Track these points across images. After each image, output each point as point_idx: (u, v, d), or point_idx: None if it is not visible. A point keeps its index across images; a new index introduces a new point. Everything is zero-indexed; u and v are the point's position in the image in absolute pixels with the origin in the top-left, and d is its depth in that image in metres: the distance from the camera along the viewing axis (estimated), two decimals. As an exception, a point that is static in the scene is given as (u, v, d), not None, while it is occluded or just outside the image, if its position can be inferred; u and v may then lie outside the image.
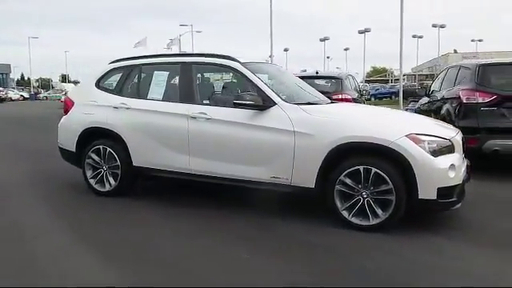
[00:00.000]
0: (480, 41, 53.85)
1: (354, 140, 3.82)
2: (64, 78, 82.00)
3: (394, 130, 3.82)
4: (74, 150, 5.15)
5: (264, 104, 4.17)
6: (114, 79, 5.13)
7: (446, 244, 3.63)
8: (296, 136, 3.99)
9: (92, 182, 5.04)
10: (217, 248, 3.56)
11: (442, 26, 45.52)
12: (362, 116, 4.35)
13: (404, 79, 57.65)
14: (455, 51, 62.89)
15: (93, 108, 5.03)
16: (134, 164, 4.79)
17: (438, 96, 7.52)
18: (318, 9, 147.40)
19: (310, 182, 3.98)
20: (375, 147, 3.78)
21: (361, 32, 41.29)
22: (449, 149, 3.85)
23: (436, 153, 3.73)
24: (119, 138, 4.83)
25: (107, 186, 4.95)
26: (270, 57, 28.92)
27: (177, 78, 4.80)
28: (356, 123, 3.99)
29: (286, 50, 53.17)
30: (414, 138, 3.72)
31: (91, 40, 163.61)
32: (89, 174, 5.06)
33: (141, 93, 4.92)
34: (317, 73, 10.16)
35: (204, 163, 4.42)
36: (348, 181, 3.85)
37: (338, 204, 3.90)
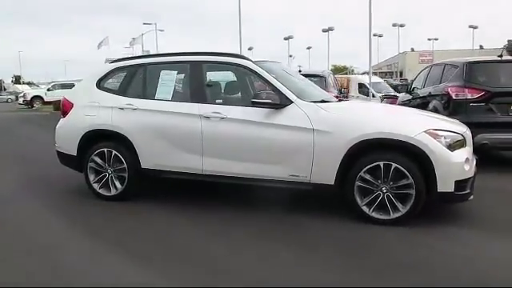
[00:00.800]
0: (436, 39, 56.08)
1: (374, 136, 3.90)
2: (17, 80, 78.28)
3: (413, 125, 3.93)
4: (74, 153, 4.93)
5: (281, 102, 4.17)
6: (117, 79, 4.96)
7: (462, 233, 3.80)
8: (315, 134, 4.03)
9: (96, 186, 4.85)
10: (254, 247, 3.55)
11: (402, 25, 47.13)
12: (378, 113, 4.45)
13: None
14: (412, 50, 65.10)
15: (95, 109, 4.84)
16: (143, 166, 4.66)
17: (422, 93, 7.78)
18: (280, 8, 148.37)
19: (330, 179, 4.03)
20: (396, 143, 3.87)
21: (324, 31, 41.97)
22: (461, 143, 4.01)
23: (451, 147, 3.88)
24: (126, 139, 4.68)
25: (113, 190, 4.79)
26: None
27: (186, 77, 4.71)
28: (375, 120, 4.07)
29: (250, 48, 53.02)
30: (432, 133, 3.85)
31: (44, 39, 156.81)
32: (92, 178, 4.87)
33: (148, 93, 4.79)
34: (299, 71, 10.24)
35: (219, 163, 4.37)
36: (368, 176, 3.93)
37: (358, 200, 3.97)
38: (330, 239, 3.70)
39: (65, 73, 67.80)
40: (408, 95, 8.71)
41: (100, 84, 5.00)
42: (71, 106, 5.06)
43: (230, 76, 4.86)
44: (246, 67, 4.48)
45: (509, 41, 58.11)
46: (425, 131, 3.84)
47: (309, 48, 62.06)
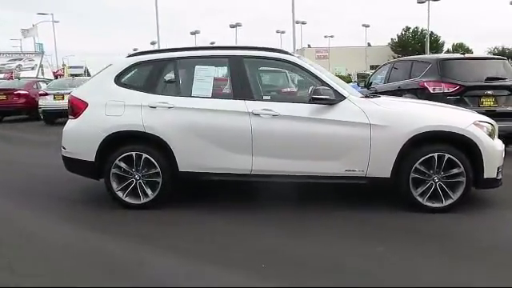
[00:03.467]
0: (332, 37, 59.97)
1: (431, 129, 4.09)
2: None
3: (462, 118, 4.23)
4: (92, 159, 4.35)
5: (335, 98, 4.16)
6: (141, 75, 4.47)
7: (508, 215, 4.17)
8: (372, 128, 4.09)
9: (121, 194, 4.35)
10: (345, 244, 3.52)
11: (304, 23, 49.51)
12: (427, 107, 4.65)
13: (267, 72, 60.81)
14: (309, 46, 68.75)
15: (119, 109, 4.31)
16: (181, 169, 4.28)
17: (387, 87, 8.29)
18: (183, 2, 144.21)
19: (387, 172, 4.14)
20: (449, 135, 4.12)
21: (232, 26, 42.33)
22: (493, 132, 4.40)
23: (491, 137, 4.24)
24: (160, 141, 4.25)
25: (142, 197, 4.33)
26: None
27: (226, 73, 4.43)
28: (429, 114, 4.29)
29: (153, 43, 51.13)
30: (479, 124, 4.18)
31: None
32: (115, 185, 4.35)
33: (182, 90, 4.41)
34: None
35: (270, 162, 4.21)
36: (422, 168, 4.12)
37: (413, 190, 4.15)
38: (403, 231, 3.81)
39: None
40: (366, 90, 9.23)
41: (119, 80, 4.46)
42: (85, 105, 4.44)
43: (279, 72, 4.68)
44: (292, 63, 4.38)
45: (392, 39, 64.38)
46: (473, 123, 4.14)
47: (212, 43, 61.97)
